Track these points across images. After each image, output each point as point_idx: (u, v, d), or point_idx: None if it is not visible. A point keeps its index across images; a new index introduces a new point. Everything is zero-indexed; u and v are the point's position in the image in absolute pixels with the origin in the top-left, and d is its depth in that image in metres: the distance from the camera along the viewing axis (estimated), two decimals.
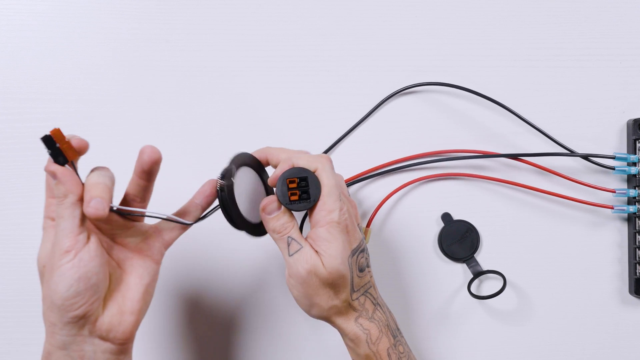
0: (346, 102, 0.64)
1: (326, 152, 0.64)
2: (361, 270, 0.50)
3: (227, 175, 0.48)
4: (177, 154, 0.63)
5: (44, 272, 0.45)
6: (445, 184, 0.64)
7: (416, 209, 0.64)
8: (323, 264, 0.48)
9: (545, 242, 0.64)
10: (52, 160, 0.44)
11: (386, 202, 0.63)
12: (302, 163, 0.49)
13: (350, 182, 0.63)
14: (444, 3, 0.65)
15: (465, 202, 0.64)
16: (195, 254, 0.63)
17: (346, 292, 0.49)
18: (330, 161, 0.50)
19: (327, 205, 0.48)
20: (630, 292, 0.64)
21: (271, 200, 0.50)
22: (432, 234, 0.64)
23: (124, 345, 0.46)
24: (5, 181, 0.63)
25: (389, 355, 0.51)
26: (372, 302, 0.51)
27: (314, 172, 0.49)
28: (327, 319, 0.51)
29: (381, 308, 0.52)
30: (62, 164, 0.43)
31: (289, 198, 0.48)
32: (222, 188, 0.48)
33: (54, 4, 0.64)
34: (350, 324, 0.50)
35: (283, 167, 0.49)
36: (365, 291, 0.51)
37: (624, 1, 0.66)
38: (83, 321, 0.44)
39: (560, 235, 0.64)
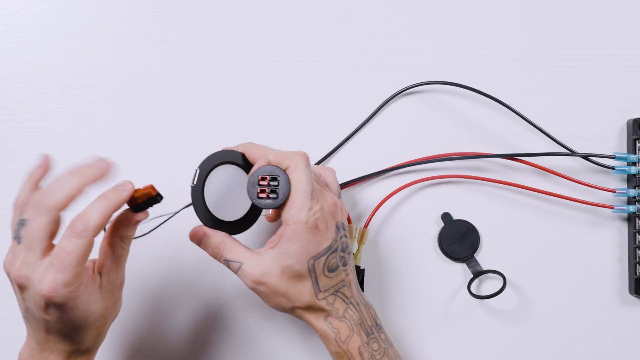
0: (346, 102, 0.64)
1: (330, 154, 0.64)
2: (331, 270, 0.50)
3: (193, 179, 0.51)
4: (176, 153, 0.63)
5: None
6: (446, 185, 0.64)
7: (416, 209, 0.64)
8: (272, 269, 0.49)
9: (545, 242, 0.64)
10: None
11: (386, 202, 0.63)
12: (275, 160, 0.50)
13: (346, 182, 0.63)
14: (444, 3, 0.65)
15: (465, 201, 0.64)
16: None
17: (308, 293, 0.50)
18: (305, 158, 0.50)
19: (296, 204, 0.48)
20: (630, 292, 0.64)
21: (195, 232, 0.51)
22: (432, 233, 0.64)
23: None
24: (5, 181, 0.63)
25: (360, 353, 0.51)
26: (344, 300, 0.51)
27: (285, 170, 0.49)
28: (294, 315, 0.52)
29: (355, 307, 0.52)
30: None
31: (257, 195, 0.50)
32: (191, 191, 0.52)
33: (54, 4, 0.64)
34: (319, 322, 0.51)
35: (260, 164, 0.50)
36: (337, 290, 0.51)
37: (624, 1, 0.66)
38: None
39: (560, 235, 0.64)
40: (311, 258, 0.49)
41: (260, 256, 0.50)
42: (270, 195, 0.49)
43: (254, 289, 0.50)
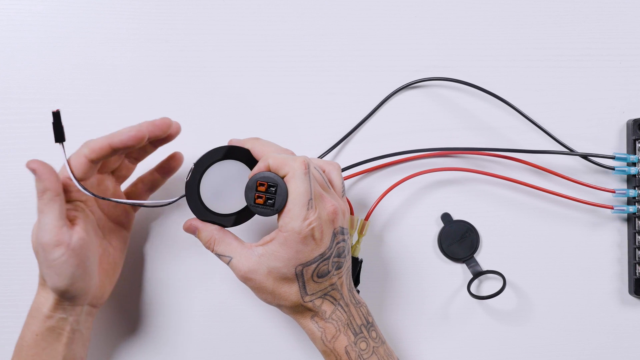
0: (346, 102, 0.64)
1: (332, 148, 0.63)
2: (321, 276, 0.51)
3: (187, 174, 0.53)
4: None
5: (38, 254, 0.51)
6: (446, 185, 0.64)
7: (416, 209, 0.64)
8: (260, 267, 0.50)
9: (545, 242, 0.64)
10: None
11: (387, 203, 0.63)
12: (274, 166, 0.50)
13: (349, 174, 0.63)
14: (444, 3, 0.65)
15: (465, 202, 0.64)
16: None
17: (294, 295, 0.51)
18: (304, 165, 0.49)
19: (291, 213, 0.49)
20: (630, 292, 0.64)
21: (187, 226, 0.54)
22: (432, 234, 0.64)
23: (99, 307, 0.56)
24: (5, 181, 0.63)
25: (347, 352, 0.51)
26: (332, 302, 0.52)
27: (283, 178, 0.49)
28: (282, 311, 0.53)
29: (343, 308, 0.52)
30: (61, 142, 0.52)
31: (254, 200, 0.50)
32: (185, 186, 0.53)
33: (53, 4, 0.64)
34: (306, 320, 0.52)
35: (260, 167, 0.50)
36: (325, 294, 0.51)
37: (624, 1, 0.66)
38: (82, 298, 0.52)
39: (560, 235, 0.64)
40: (300, 265, 0.49)
41: (250, 251, 0.51)
42: (267, 203, 0.50)
43: (243, 282, 0.51)
